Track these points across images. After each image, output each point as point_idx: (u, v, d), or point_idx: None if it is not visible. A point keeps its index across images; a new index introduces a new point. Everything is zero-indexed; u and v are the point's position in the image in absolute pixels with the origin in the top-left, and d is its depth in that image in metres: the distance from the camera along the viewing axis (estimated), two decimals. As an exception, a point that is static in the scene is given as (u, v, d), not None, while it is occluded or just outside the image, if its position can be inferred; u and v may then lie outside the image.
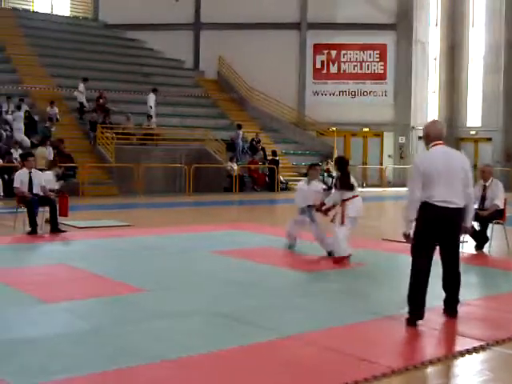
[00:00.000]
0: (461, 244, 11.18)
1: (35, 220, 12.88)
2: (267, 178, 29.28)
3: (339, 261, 9.96)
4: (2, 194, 21.62)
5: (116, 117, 28.65)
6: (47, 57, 32.26)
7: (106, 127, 26.58)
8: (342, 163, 10.51)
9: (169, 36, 36.63)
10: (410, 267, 6.59)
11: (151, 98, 28.89)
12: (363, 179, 35.35)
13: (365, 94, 36.46)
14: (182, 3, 36.37)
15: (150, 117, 28.18)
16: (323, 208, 10.46)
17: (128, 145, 26.46)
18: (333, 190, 10.50)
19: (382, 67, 36.59)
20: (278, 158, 29.95)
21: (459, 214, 6.50)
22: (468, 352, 5.63)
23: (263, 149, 30.52)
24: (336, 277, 8.96)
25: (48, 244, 12.15)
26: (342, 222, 9.98)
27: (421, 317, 6.47)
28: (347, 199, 10.06)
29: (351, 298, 7.68)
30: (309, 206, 10.79)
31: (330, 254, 10.43)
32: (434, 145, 6.55)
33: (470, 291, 7.90)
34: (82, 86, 28.56)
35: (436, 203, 6.38)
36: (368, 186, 34.25)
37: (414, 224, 6.48)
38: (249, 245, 11.90)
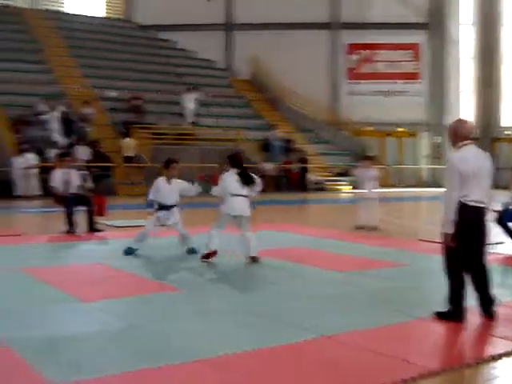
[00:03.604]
0: (496, 245, 11.18)
1: (72, 219, 13.04)
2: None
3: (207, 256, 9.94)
4: (40, 193, 21.92)
5: (149, 117, 28.87)
6: (82, 57, 32.63)
7: (141, 127, 26.77)
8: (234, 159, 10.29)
9: (201, 36, 36.80)
10: (448, 268, 6.55)
11: (188, 97, 29.18)
12: (399, 179, 35.22)
13: (398, 93, 36.25)
14: (213, 3, 36.55)
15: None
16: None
17: (163, 145, 26.63)
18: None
19: (416, 67, 36.35)
20: (306, 156, 30.02)
21: (486, 213, 6.58)
22: (506, 354, 5.57)
23: (297, 149, 30.48)
24: (372, 277, 8.91)
25: (85, 243, 12.29)
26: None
27: (462, 318, 6.44)
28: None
29: (388, 299, 7.63)
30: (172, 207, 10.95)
31: (191, 251, 10.62)
32: (465, 144, 6.52)
33: (508, 292, 7.81)
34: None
35: (469, 203, 6.37)
36: (404, 186, 34.15)
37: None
38: (286, 245, 11.89)
